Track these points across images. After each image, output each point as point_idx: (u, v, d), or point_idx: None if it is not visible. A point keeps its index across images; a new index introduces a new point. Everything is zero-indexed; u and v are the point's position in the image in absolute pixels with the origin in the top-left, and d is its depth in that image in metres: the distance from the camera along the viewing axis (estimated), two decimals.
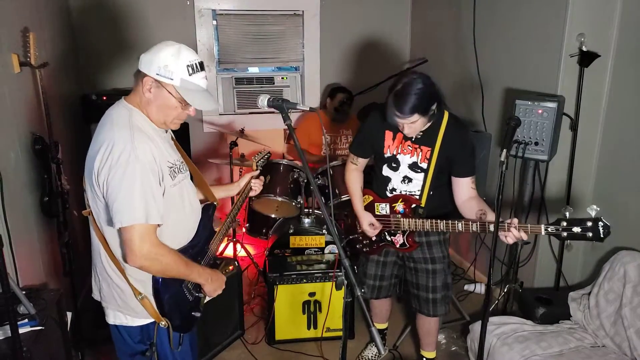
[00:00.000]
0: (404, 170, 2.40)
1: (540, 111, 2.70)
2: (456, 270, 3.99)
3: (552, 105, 2.68)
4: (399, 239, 2.48)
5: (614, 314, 2.57)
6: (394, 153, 2.40)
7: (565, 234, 1.94)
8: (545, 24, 2.97)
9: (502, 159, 1.87)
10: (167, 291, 1.72)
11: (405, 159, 2.38)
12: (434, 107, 2.15)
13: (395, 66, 4.75)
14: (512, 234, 2.00)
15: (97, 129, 1.67)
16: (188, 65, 1.63)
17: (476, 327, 2.71)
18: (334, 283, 2.96)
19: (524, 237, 2.01)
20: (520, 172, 3.16)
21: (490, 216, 2.17)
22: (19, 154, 2.48)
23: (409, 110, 2.08)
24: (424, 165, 2.35)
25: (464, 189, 2.34)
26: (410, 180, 2.41)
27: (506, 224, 2.01)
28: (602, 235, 1.89)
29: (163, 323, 1.72)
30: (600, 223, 1.89)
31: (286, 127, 1.74)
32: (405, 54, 4.83)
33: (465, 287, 3.73)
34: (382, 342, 1.45)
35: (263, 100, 1.73)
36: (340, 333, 3.09)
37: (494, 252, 1.99)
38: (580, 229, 1.91)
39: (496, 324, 2.69)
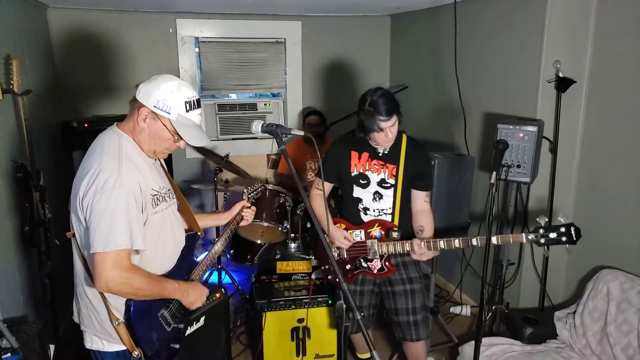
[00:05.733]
0: (374, 186, 2.47)
1: (521, 135, 2.78)
2: (441, 293, 4.01)
3: (533, 129, 2.76)
4: (376, 264, 2.50)
5: (599, 332, 2.61)
6: (361, 171, 2.48)
7: (543, 240, 2.15)
8: (523, 51, 3.09)
9: (492, 181, 1.92)
10: (140, 320, 1.69)
11: (373, 177, 2.47)
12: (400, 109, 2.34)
13: None
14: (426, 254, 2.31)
15: (87, 154, 1.68)
16: (186, 102, 1.67)
17: (466, 348, 2.72)
18: (334, 307, 2.93)
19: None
20: (503, 195, 3.23)
21: (427, 233, 2.44)
22: None
23: (391, 112, 2.24)
24: (392, 181, 2.45)
25: (417, 201, 2.52)
26: (381, 196, 2.48)
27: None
28: (574, 238, 2.10)
29: (136, 353, 1.69)
30: (573, 228, 2.10)
31: (270, 152, 1.76)
32: (386, 81, 4.93)
33: (451, 309, 3.74)
34: None
35: (257, 126, 1.75)
36: (329, 359, 3.05)
37: (485, 275, 2.02)
38: (556, 234, 2.13)
39: (485, 345, 2.70)
